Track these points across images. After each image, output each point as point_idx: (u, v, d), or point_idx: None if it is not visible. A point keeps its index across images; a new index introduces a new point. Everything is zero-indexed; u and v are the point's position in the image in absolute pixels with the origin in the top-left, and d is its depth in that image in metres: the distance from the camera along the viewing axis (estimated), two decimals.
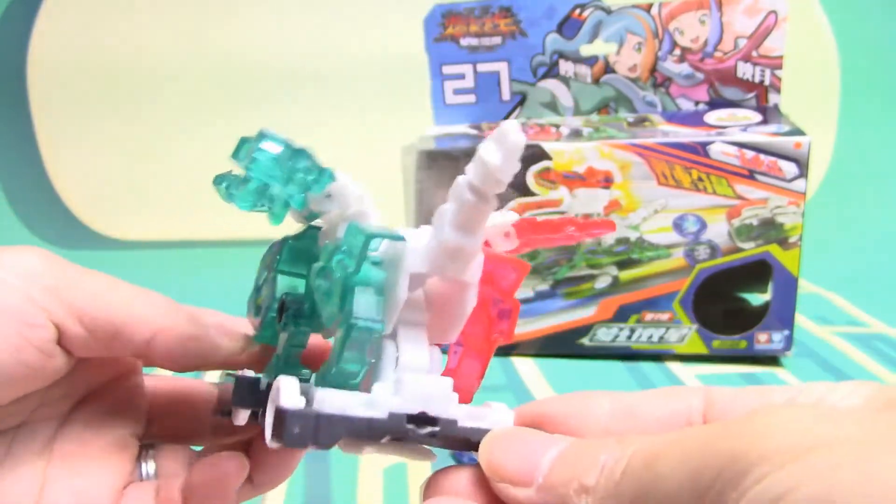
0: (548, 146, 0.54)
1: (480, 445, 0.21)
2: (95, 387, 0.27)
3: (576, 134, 0.58)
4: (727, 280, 0.56)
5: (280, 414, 0.20)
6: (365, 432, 0.21)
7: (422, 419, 0.21)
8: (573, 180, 0.55)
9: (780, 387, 0.21)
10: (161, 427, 0.28)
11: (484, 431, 0.22)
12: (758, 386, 0.22)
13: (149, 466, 0.27)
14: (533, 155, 0.54)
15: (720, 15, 0.59)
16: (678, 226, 0.55)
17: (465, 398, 0.24)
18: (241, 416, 0.25)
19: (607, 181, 0.54)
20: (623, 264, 0.56)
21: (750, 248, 0.54)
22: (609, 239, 0.55)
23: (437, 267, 0.22)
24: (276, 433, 0.21)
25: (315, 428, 0.20)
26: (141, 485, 0.26)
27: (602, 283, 0.57)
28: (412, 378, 0.22)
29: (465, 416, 0.22)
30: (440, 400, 0.22)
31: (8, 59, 0.98)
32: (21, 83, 0.98)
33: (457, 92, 0.64)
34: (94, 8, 0.97)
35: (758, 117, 0.57)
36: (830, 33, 0.97)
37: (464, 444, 0.22)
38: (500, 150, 0.19)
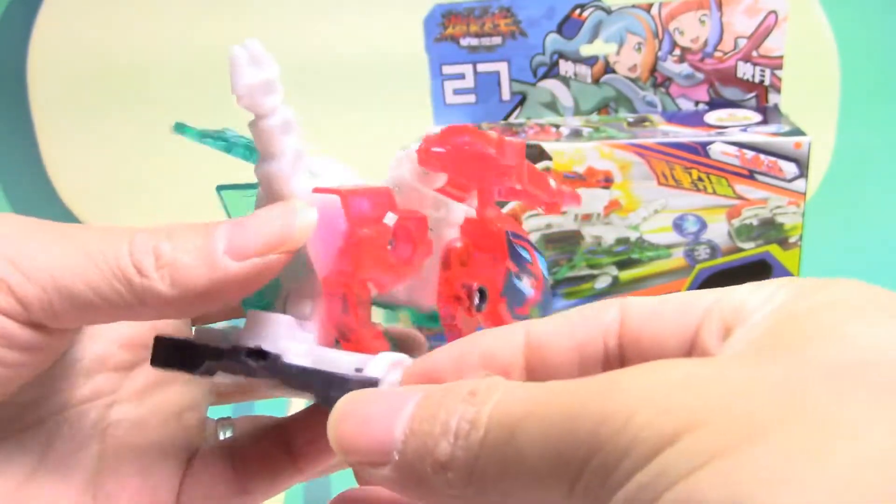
0: (548, 146, 0.54)
1: (329, 417, 0.18)
2: (140, 350, 0.25)
3: (576, 134, 0.58)
4: (727, 280, 0.56)
5: (155, 341, 0.23)
6: (218, 363, 0.22)
7: (255, 352, 0.21)
8: (573, 180, 0.55)
9: (701, 294, 0.18)
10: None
11: (331, 376, 0.20)
12: (677, 295, 0.18)
13: (227, 429, 0.27)
14: (533, 155, 0.54)
15: (720, 15, 0.59)
16: (678, 226, 0.55)
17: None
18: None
19: (607, 181, 0.54)
20: (623, 264, 0.56)
21: (750, 248, 0.54)
22: (609, 239, 0.55)
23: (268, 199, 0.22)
24: (152, 357, 0.23)
25: (182, 353, 0.22)
26: (213, 452, 0.25)
27: (602, 283, 0.57)
28: (263, 317, 0.22)
29: (317, 359, 0.21)
30: (280, 337, 0.21)
31: (8, 59, 0.98)
32: (21, 83, 0.98)
33: (457, 92, 0.64)
34: (94, 8, 0.97)
35: (758, 117, 0.57)
36: (830, 33, 0.97)
37: (310, 387, 0.21)
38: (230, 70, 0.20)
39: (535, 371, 0.19)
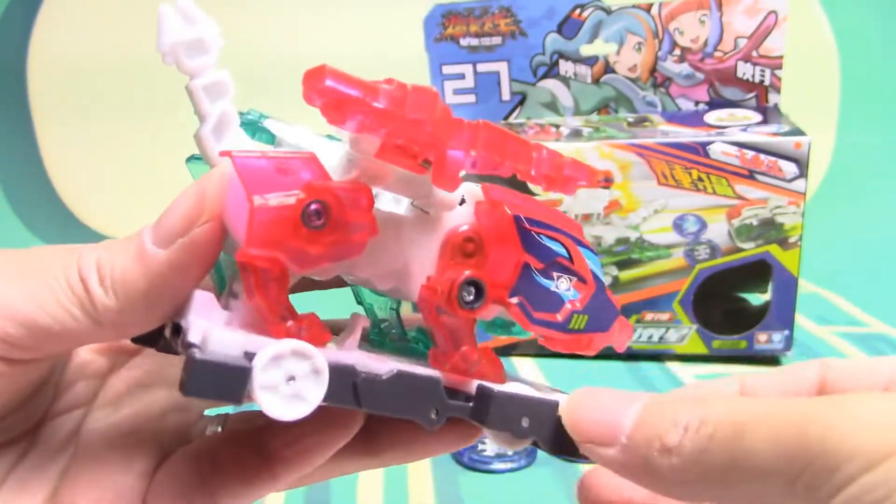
0: (548, 146, 0.54)
1: (563, 405, 0.21)
2: (119, 357, 0.25)
3: (576, 134, 0.58)
4: (727, 280, 0.56)
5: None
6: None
7: (174, 327, 0.20)
8: None
9: (889, 359, 0.21)
10: None
11: (203, 362, 0.18)
12: (868, 359, 0.22)
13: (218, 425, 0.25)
14: None
15: (720, 15, 0.59)
16: (678, 226, 0.55)
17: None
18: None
19: (607, 181, 0.54)
20: (623, 264, 0.56)
21: (750, 248, 0.54)
22: (609, 239, 0.55)
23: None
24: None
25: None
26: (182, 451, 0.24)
27: None
28: (193, 295, 0.20)
29: (208, 338, 0.19)
30: (191, 313, 0.20)
31: (8, 59, 0.98)
32: (21, 83, 0.98)
33: (457, 92, 0.64)
34: (94, 8, 0.97)
35: (758, 117, 0.57)
36: (830, 33, 0.97)
37: (186, 370, 0.19)
38: None
39: None
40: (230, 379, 0.19)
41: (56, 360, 0.23)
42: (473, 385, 0.22)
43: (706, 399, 0.19)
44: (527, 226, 0.22)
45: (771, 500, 0.17)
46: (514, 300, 0.22)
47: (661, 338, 0.57)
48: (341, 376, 0.20)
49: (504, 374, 0.23)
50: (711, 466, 0.18)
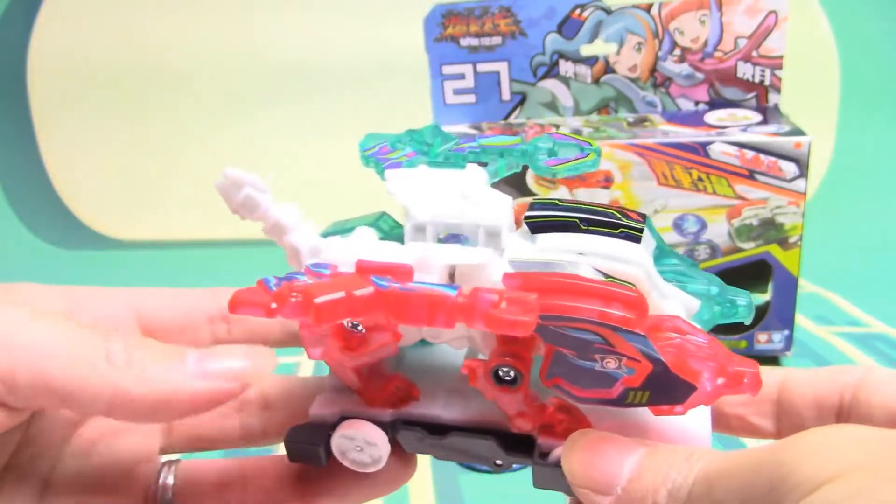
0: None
1: (564, 448, 0.22)
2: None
3: (576, 134, 0.58)
4: (727, 280, 0.56)
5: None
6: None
7: None
8: (573, 180, 0.55)
9: None
10: (182, 434, 0.26)
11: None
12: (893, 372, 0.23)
13: (167, 487, 0.25)
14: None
15: (720, 15, 0.59)
16: (678, 226, 0.55)
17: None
18: (377, 458, 0.24)
19: (607, 181, 0.54)
20: None
21: (750, 248, 0.54)
22: None
23: None
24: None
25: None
26: None
27: None
28: None
29: None
30: None
31: (8, 59, 0.98)
32: (21, 83, 0.98)
33: (457, 92, 0.64)
34: (94, 8, 0.97)
35: (758, 117, 0.57)
36: (830, 33, 0.97)
37: None
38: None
39: (783, 404, 0.24)
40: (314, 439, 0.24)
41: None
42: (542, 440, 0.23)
43: (693, 454, 0.20)
44: (547, 323, 0.20)
45: None
46: (551, 382, 0.21)
47: None
48: (408, 436, 0.24)
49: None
50: None
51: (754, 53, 0.60)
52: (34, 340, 0.19)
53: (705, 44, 0.60)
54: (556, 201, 0.23)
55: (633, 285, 0.21)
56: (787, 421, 0.24)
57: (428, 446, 0.24)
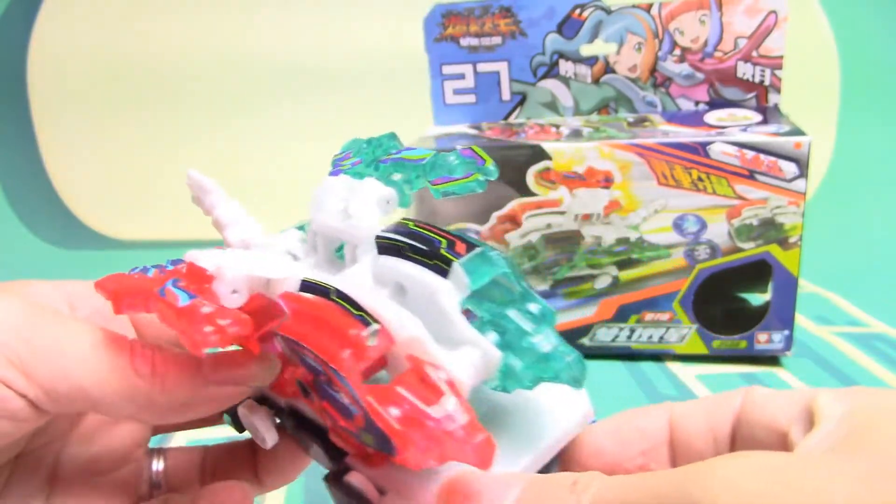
0: (548, 146, 0.54)
1: (439, 492, 0.20)
2: None
3: (576, 134, 0.58)
4: (727, 280, 0.56)
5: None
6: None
7: None
8: (573, 180, 0.55)
9: (797, 393, 0.21)
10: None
11: None
12: (782, 393, 0.21)
13: (159, 471, 0.27)
14: (533, 155, 0.54)
15: (720, 15, 0.59)
16: (678, 226, 0.55)
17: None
18: (270, 439, 0.25)
19: (607, 181, 0.54)
20: (623, 264, 0.56)
21: (750, 248, 0.54)
22: (609, 239, 0.55)
23: None
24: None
25: None
26: None
27: (602, 283, 0.57)
28: None
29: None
30: None
31: (8, 59, 0.98)
32: (21, 83, 0.98)
33: (457, 92, 0.64)
34: (94, 8, 0.97)
35: (758, 117, 0.57)
36: (830, 33, 0.97)
37: None
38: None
39: (677, 447, 0.22)
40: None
41: None
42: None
43: (579, 482, 0.18)
44: (290, 345, 0.21)
45: None
46: (321, 405, 0.22)
47: (661, 338, 0.57)
48: (287, 423, 0.26)
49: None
50: None
51: (754, 53, 0.60)
52: (72, 353, 0.21)
53: (705, 44, 0.60)
54: (410, 223, 0.23)
55: (377, 322, 0.20)
56: (686, 460, 0.22)
57: (300, 439, 0.25)
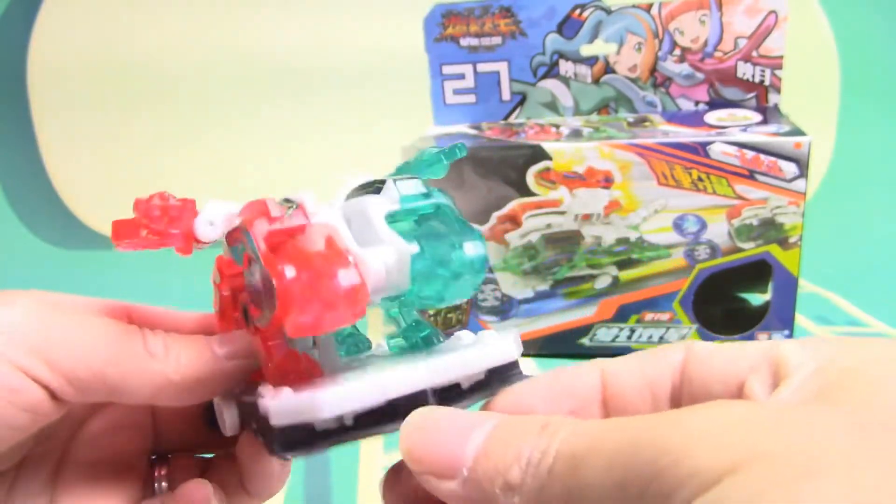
0: (548, 146, 0.54)
1: (401, 430, 0.19)
2: (96, 408, 0.27)
3: (576, 134, 0.58)
4: (727, 280, 0.56)
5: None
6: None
7: None
8: (573, 180, 0.55)
9: (750, 345, 0.20)
10: (171, 438, 0.28)
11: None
12: (732, 344, 0.20)
13: (162, 481, 0.27)
14: (533, 155, 0.54)
15: (720, 15, 0.59)
16: (678, 226, 0.55)
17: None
18: (230, 424, 0.25)
19: (607, 181, 0.54)
20: (623, 264, 0.56)
21: (750, 248, 0.54)
22: (609, 239, 0.55)
23: None
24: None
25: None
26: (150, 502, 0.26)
27: (602, 283, 0.57)
28: None
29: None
30: None
31: (8, 59, 0.98)
32: (21, 83, 0.98)
33: (457, 92, 0.64)
34: (94, 8, 0.97)
35: (758, 117, 0.57)
36: (830, 33, 0.97)
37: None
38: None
39: (611, 404, 0.21)
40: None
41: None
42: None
43: (549, 425, 0.17)
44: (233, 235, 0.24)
45: None
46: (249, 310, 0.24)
47: (661, 338, 0.57)
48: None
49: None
50: None
51: (754, 53, 0.60)
52: (90, 341, 0.22)
53: (705, 44, 0.60)
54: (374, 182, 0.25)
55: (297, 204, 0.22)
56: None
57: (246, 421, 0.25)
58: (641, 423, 0.16)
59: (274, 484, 0.27)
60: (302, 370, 0.22)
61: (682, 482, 0.14)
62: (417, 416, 0.19)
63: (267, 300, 0.21)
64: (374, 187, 0.24)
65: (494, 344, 0.23)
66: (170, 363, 0.22)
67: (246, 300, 0.23)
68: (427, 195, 0.24)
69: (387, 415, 0.20)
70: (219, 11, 0.97)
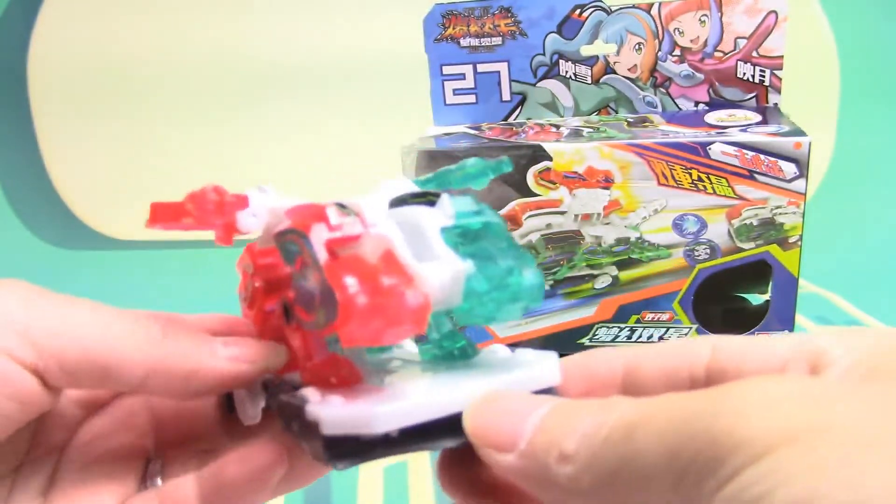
0: (548, 146, 0.54)
1: (465, 410, 0.20)
2: (93, 407, 0.26)
3: (576, 134, 0.58)
4: (727, 280, 0.56)
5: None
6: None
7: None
8: (573, 180, 0.55)
9: (783, 338, 0.20)
10: (169, 433, 0.27)
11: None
12: (763, 337, 0.21)
13: (158, 480, 0.26)
14: (533, 155, 0.54)
15: (720, 15, 0.59)
16: (678, 226, 0.55)
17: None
18: (252, 414, 0.25)
19: (607, 181, 0.54)
20: (623, 264, 0.56)
21: (750, 248, 0.54)
22: (609, 239, 0.55)
23: None
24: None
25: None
26: (144, 495, 0.25)
27: (602, 283, 0.57)
28: None
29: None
30: None
31: (8, 59, 0.98)
32: (21, 83, 0.98)
33: (457, 92, 0.64)
34: (94, 8, 0.97)
35: (758, 117, 0.57)
36: (830, 33, 0.97)
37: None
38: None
39: (629, 392, 0.22)
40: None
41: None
42: None
43: (610, 402, 0.18)
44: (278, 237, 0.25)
45: (660, 502, 0.16)
46: (294, 312, 0.24)
47: (660, 338, 0.57)
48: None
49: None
50: (602, 472, 0.17)
51: (754, 53, 0.60)
52: (81, 321, 0.21)
53: (705, 44, 0.60)
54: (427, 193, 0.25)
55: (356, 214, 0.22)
56: None
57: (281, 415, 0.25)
58: (696, 395, 0.16)
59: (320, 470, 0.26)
60: (343, 376, 0.22)
61: (733, 450, 0.14)
62: (485, 394, 0.20)
63: (323, 308, 0.21)
64: (428, 199, 0.23)
65: (541, 366, 0.23)
66: (167, 344, 0.22)
67: (291, 300, 0.23)
68: (479, 212, 0.24)
69: (438, 432, 0.21)
70: (220, 12, 0.97)
